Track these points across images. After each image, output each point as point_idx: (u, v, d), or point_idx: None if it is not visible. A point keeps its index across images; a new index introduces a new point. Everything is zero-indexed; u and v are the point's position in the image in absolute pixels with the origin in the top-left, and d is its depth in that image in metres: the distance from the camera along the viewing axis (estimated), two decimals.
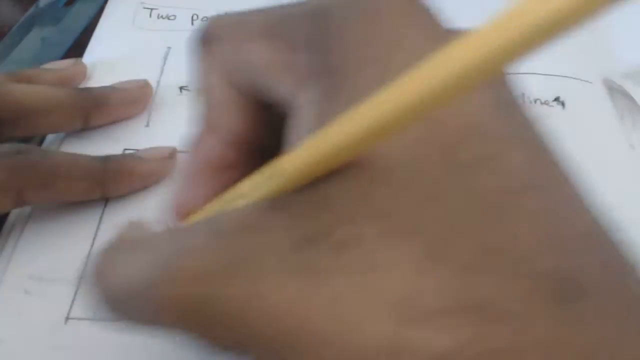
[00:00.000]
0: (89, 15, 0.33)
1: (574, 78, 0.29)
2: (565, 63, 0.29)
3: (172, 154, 0.24)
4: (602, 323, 0.09)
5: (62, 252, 0.21)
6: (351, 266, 0.10)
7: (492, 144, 0.11)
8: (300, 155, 0.10)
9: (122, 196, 0.23)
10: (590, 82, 0.28)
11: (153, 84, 0.27)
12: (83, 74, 0.28)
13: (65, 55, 0.30)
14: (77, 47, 0.31)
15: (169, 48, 0.30)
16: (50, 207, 0.22)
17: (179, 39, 0.30)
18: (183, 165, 0.16)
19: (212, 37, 0.15)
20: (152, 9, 0.32)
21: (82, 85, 0.28)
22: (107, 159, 0.22)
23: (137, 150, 0.24)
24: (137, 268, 0.12)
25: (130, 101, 0.26)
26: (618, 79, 0.28)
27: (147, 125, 0.26)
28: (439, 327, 0.09)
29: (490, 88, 0.12)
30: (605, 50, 0.31)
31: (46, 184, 0.20)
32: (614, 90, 0.29)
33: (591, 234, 0.10)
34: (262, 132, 0.15)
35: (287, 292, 0.10)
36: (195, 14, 0.32)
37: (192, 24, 0.32)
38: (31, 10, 0.34)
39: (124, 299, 0.12)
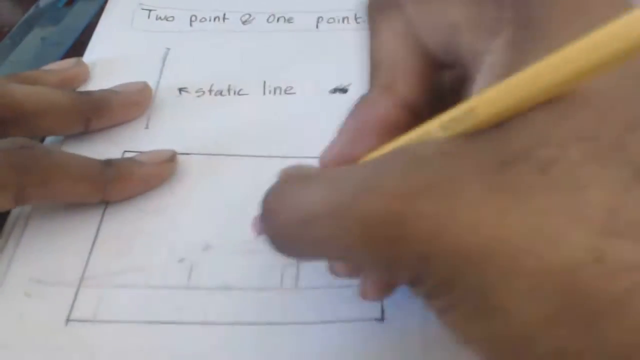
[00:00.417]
0: (89, 15, 0.33)
1: None
2: None
3: (172, 157, 0.24)
4: None
5: (62, 255, 0.21)
6: (555, 184, 0.10)
7: None
8: (495, 96, 0.11)
9: (122, 199, 0.23)
10: None
11: (152, 85, 0.27)
12: (85, 74, 0.28)
13: (66, 56, 0.31)
14: (78, 48, 0.31)
15: (168, 49, 0.30)
16: (50, 210, 0.23)
17: (178, 40, 0.30)
18: (349, 118, 0.16)
19: (391, 3, 0.15)
20: (150, 10, 0.32)
21: (83, 86, 0.28)
22: (107, 162, 0.22)
23: (137, 152, 0.24)
24: (317, 196, 0.13)
25: (131, 105, 0.26)
26: None
27: (147, 128, 0.26)
28: None
29: None
30: None
31: (47, 182, 0.21)
32: None
33: None
34: (431, 98, 0.15)
35: (486, 209, 0.11)
36: (193, 15, 0.32)
37: (191, 25, 0.31)
38: (31, 10, 0.34)
39: (307, 227, 0.13)
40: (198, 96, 0.28)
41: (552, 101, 0.11)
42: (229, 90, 0.28)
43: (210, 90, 0.28)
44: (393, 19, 0.15)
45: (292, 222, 0.13)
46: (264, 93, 0.28)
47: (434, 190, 0.11)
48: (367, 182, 0.12)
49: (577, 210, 0.10)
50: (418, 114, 0.15)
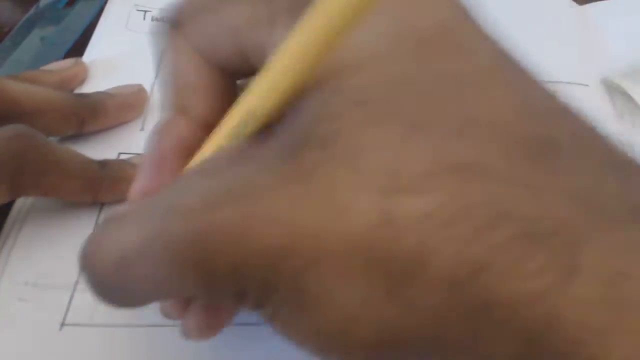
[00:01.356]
0: (89, 16, 0.33)
1: (571, 83, 0.28)
2: (561, 68, 0.29)
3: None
4: (578, 173, 0.10)
5: (57, 258, 0.21)
6: (336, 156, 0.10)
7: (460, 37, 0.12)
8: (266, 87, 0.11)
9: (117, 202, 0.23)
10: (587, 85, 0.28)
11: (147, 87, 0.27)
12: (84, 74, 0.28)
13: (66, 56, 0.31)
14: (78, 48, 0.31)
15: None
16: (46, 214, 0.23)
17: None
18: (150, 148, 0.16)
19: (180, 19, 0.15)
20: (145, 12, 0.32)
21: (79, 87, 0.28)
22: (103, 163, 0.22)
23: (132, 154, 0.24)
24: (128, 233, 0.12)
25: (126, 108, 0.26)
26: (617, 78, 0.28)
27: (142, 129, 0.26)
28: (423, 190, 0.10)
29: (454, 4, 0.12)
30: (602, 50, 0.31)
31: (42, 174, 0.20)
32: (613, 90, 0.28)
33: (560, 109, 0.11)
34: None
35: (279, 202, 0.10)
36: None
37: None
38: (32, 11, 0.34)
39: (122, 268, 0.12)
40: None
41: (320, 76, 0.11)
42: None
43: None
44: (177, 38, 0.15)
45: (108, 265, 0.12)
46: None
47: (229, 199, 0.11)
48: (166, 206, 0.12)
49: (358, 176, 0.10)
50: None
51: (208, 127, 0.15)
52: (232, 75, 0.15)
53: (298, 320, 0.11)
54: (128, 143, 0.25)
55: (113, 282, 0.13)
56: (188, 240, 0.11)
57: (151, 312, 0.20)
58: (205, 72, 0.15)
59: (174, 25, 0.15)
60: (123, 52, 0.30)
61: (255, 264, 0.10)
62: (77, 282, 0.21)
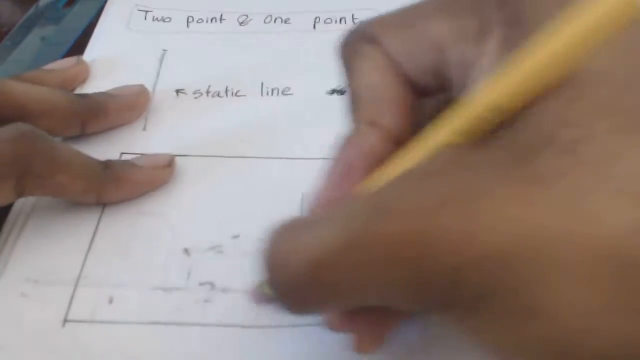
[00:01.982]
0: (89, 16, 0.33)
1: None
2: None
3: (170, 162, 0.24)
4: None
5: (60, 255, 0.21)
6: (586, 161, 0.10)
7: None
8: (500, 93, 0.11)
9: (120, 202, 0.23)
10: None
11: (149, 87, 0.27)
12: (86, 73, 0.28)
13: (66, 56, 0.31)
14: (78, 48, 0.31)
15: (165, 51, 0.30)
16: (49, 210, 0.23)
17: (175, 42, 0.30)
18: (336, 158, 0.16)
19: (370, 36, 0.15)
20: (147, 12, 0.32)
21: (80, 87, 0.28)
22: (106, 164, 0.22)
23: (134, 154, 0.25)
24: (326, 235, 0.12)
25: (128, 108, 0.26)
26: None
27: (145, 129, 0.26)
28: None
29: None
30: None
31: (47, 174, 0.21)
32: None
33: None
34: (414, 128, 0.15)
35: (510, 206, 0.10)
36: (190, 16, 0.32)
37: (188, 26, 0.32)
38: (32, 11, 0.34)
39: (322, 269, 0.12)
40: (196, 98, 0.28)
41: (558, 86, 0.11)
42: (226, 91, 0.28)
43: (207, 92, 0.28)
44: (370, 54, 0.15)
45: (304, 268, 0.12)
46: (262, 94, 0.28)
47: (453, 201, 0.11)
48: (380, 208, 0.11)
49: (610, 183, 0.10)
50: (403, 145, 0.15)
51: (396, 142, 0.15)
52: (421, 92, 0.15)
53: (509, 328, 0.11)
54: (131, 143, 0.26)
55: (309, 285, 0.12)
56: (406, 239, 0.11)
57: (152, 309, 0.20)
58: (397, 87, 0.15)
59: (365, 40, 0.16)
60: (125, 52, 0.30)
61: (475, 270, 0.10)
62: (79, 278, 0.21)
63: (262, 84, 0.28)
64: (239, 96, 0.28)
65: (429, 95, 0.16)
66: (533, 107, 0.11)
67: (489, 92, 0.11)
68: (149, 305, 0.20)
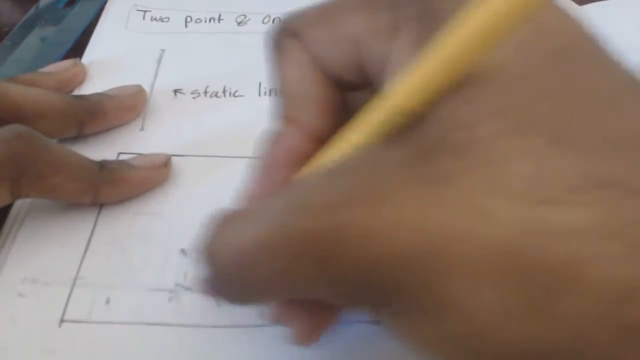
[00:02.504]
0: (89, 16, 0.34)
1: None
2: None
3: (166, 162, 0.24)
4: None
5: (57, 254, 0.21)
6: (473, 164, 0.10)
7: (593, 54, 0.12)
8: (407, 86, 0.11)
9: (117, 202, 0.23)
10: None
11: (147, 87, 0.27)
12: (82, 75, 0.28)
13: (66, 56, 0.31)
14: (78, 48, 0.31)
15: (163, 51, 0.30)
16: (46, 211, 0.23)
17: (173, 41, 0.30)
18: (261, 155, 0.16)
19: (292, 31, 0.15)
20: (145, 11, 0.32)
21: (78, 88, 0.28)
22: (102, 164, 0.22)
23: (132, 154, 0.25)
24: (248, 229, 0.12)
25: (125, 109, 0.26)
26: None
27: (142, 129, 0.26)
28: (573, 204, 0.09)
29: (578, 22, 0.12)
30: None
31: (42, 175, 0.21)
32: None
33: None
34: (339, 124, 0.15)
35: (412, 204, 0.10)
36: (188, 16, 0.32)
37: (186, 26, 0.32)
38: (31, 11, 0.34)
39: (245, 262, 0.12)
40: (193, 98, 0.28)
41: (459, 84, 0.11)
42: (224, 91, 0.28)
43: (205, 92, 0.28)
44: (292, 49, 0.15)
45: (230, 261, 0.13)
46: (260, 94, 0.28)
47: (361, 197, 0.11)
48: (294, 203, 0.12)
49: (498, 186, 0.10)
50: (326, 141, 0.15)
51: (318, 139, 0.15)
52: (344, 88, 0.16)
53: (422, 324, 0.11)
54: (128, 143, 0.26)
55: (234, 276, 0.13)
56: (314, 236, 0.11)
57: (149, 309, 0.20)
58: (318, 83, 0.15)
59: (288, 35, 0.15)
60: (122, 53, 0.30)
61: (382, 265, 0.10)
62: (76, 278, 0.21)
63: (260, 84, 0.28)
64: (237, 96, 0.28)
65: (355, 90, 0.15)
66: (435, 106, 0.11)
67: (397, 91, 0.12)
68: (146, 306, 0.20)
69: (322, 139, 0.15)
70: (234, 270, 0.13)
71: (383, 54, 0.13)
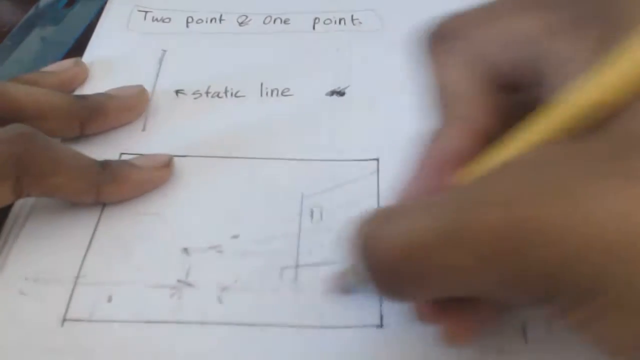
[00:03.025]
0: (89, 16, 0.34)
1: None
2: None
3: (168, 162, 0.24)
4: None
5: (59, 253, 0.21)
6: None
7: None
8: (602, 82, 0.11)
9: (119, 201, 0.23)
10: None
11: (149, 87, 0.27)
12: (84, 74, 0.28)
13: (66, 56, 0.31)
14: (78, 48, 0.31)
15: (164, 51, 0.30)
16: (48, 210, 0.23)
17: (175, 42, 0.31)
18: (421, 154, 0.16)
19: (452, 32, 0.16)
20: (146, 12, 0.32)
21: (79, 88, 0.28)
22: (104, 163, 0.22)
23: (133, 154, 0.25)
24: (419, 224, 0.12)
25: (126, 109, 0.26)
26: None
27: (144, 130, 0.26)
28: None
29: None
30: None
31: (44, 175, 0.21)
32: None
33: None
34: (497, 122, 0.15)
35: (613, 200, 0.10)
36: (190, 16, 0.32)
37: (187, 26, 0.32)
38: (31, 11, 0.34)
39: (407, 260, 0.12)
40: (195, 98, 0.28)
41: None
42: (226, 92, 0.28)
43: (207, 92, 0.28)
44: (457, 49, 0.15)
45: (395, 256, 0.12)
46: (261, 95, 0.28)
47: (553, 194, 0.11)
48: (477, 199, 0.12)
49: None
50: (490, 142, 0.15)
51: (483, 138, 0.15)
52: (505, 89, 0.16)
53: (628, 324, 0.11)
54: (130, 143, 0.26)
55: (400, 270, 0.13)
56: (503, 231, 0.11)
57: (150, 307, 0.20)
58: (483, 83, 0.15)
59: (447, 36, 0.16)
60: (124, 53, 0.30)
61: (582, 263, 0.10)
62: (78, 277, 0.21)
63: (262, 84, 0.28)
64: (238, 97, 0.28)
65: (516, 91, 0.15)
66: (631, 104, 0.11)
67: (588, 89, 0.12)
68: (147, 304, 0.20)
69: (486, 139, 0.15)
70: (400, 265, 0.12)
71: (564, 53, 0.13)
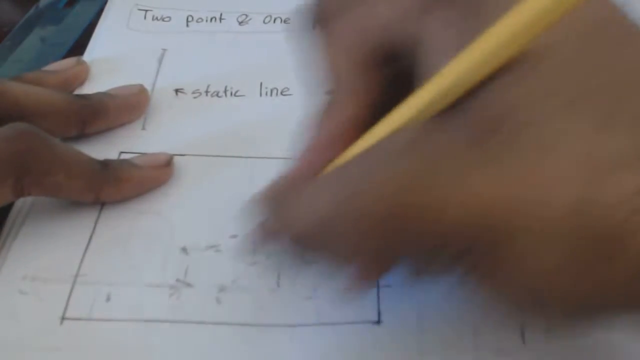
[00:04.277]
0: (89, 15, 0.34)
1: None
2: None
3: (169, 161, 0.24)
4: None
5: (58, 252, 0.21)
6: (530, 144, 0.11)
7: (629, 29, 0.13)
8: (458, 68, 0.12)
9: (118, 201, 0.23)
10: None
11: (148, 86, 0.27)
12: (85, 73, 0.28)
13: (66, 56, 0.31)
14: (78, 48, 0.31)
15: (164, 50, 0.30)
16: (48, 208, 0.23)
17: (174, 41, 0.31)
18: (321, 121, 0.17)
19: (328, 15, 0.16)
20: (146, 11, 0.32)
21: (80, 87, 0.28)
22: (104, 163, 0.22)
23: (133, 153, 0.25)
24: (324, 197, 0.14)
25: (127, 108, 0.26)
26: None
27: (144, 129, 0.26)
28: (628, 171, 0.11)
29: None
30: None
31: (45, 173, 0.21)
32: None
33: None
34: (379, 97, 0.16)
35: (476, 181, 0.12)
36: (190, 15, 0.32)
37: (187, 25, 0.32)
38: (32, 11, 0.34)
39: (319, 229, 0.14)
40: (194, 97, 0.28)
41: (510, 65, 0.12)
42: (225, 91, 0.28)
43: (206, 92, 0.28)
44: (338, 31, 0.16)
45: (309, 227, 0.14)
46: (261, 94, 0.28)
47: (424, 175, 0.12)
48: (360, 177, 0.13)
49: (555, 163, 0.11)
50: (380, 111, 0.16)
51: (375, 107, 0.16)
52: (376, 69, 0.16)
53: (493, 275, 0.12)
54: (129, 142, 0.26)
55: (314, 240, 0.15)
56: (386, 213, 0.12)
57: (149, 306, 0.20)
58: (353, 67, 0.16)
59: (318, 22, 0.16)
60: (124, 52, 0.30)
61: (454, 230, 0.12)
62: (77, 275, 0.21)
63: (261, 84, 0.28)
64: (238, 96, 0.28)
65: (402, 60, 0.16)
66: (487, 86, 0.12)
67: (448, 69, 0.12)
68: (146, 303, 0.20)
69: (373, 113, 0.16)
70: (311, 236, 0.15)
71: (415, 35, 0.14)
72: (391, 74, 0.16)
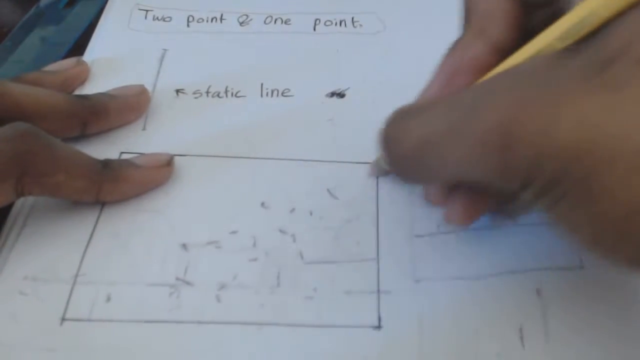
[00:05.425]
0: (90, 15, 0.34)
1: None
2: None
3: (169, 161, 0.24)
4: None
5: (58, 253, 0.21)
6: None
7: None
8: (590, 4, 0.13)
9: (119, 201, 0.23)
10: None
11: (149, 86, 0.27)
12: (86, 73, 0.28)
13: (67, 56, 0.31)
14: (78, 48, 0.31)
15: (165, 50, 0.30)
16: (48, 209, 0.23)
17: (175, 41, 0.30)
18: (443, 63, 0.18)
19: None
20: (147, 11, 0.32)
21: (80, 87, 0.28)
22: (105, 162, 0.22)
23: (134, 153, 0.25)
24: (434, 119, 0.15)
25: (128, 109, 0.26)
26: None
27: (144, 129, 0.26)
28: None
29: None
30: None
31: (46, 173, 0.20)
32: None
33: None
34: (521, 40, 0.17)
35: (588, 106, 0.12)
36: (190, 16, 0.32)
37: (188, 25, 0.32)
38: (32, 11, 0.34)
39: (423, 148, 0.15)
40: (195, 98, 0.28)
41: (636, 4, 0.12)
42: (226, 92, 0.28)
43: (207, 92, 0.28)
44: None
45: (414, 144, 0.15)
46: (261, 95, 0.28)
47: (539, 98, 0.13)
48: (478, 100, 0.14)
49: None
50: (508, 55, 0.16)
51: (501, 52, 0.17)
52: (531, 6, 0.17)
53: (579, 208, 0.13)
54: (130, 142, 0.26)
55: (416, 158, 0.16)
56: (495, 129, 0.13)
57: (149, 306, 0.20)
58: (503, 2, 0.17)
59: None
60: (124, 52, 0.30)
61: (550, 157, 0.12)
62: (77, 276, 0.21)
63: (262, 84, 0.28)
64: (239, 96, 0.28)
65: (537, 8, 0.17)
66: (618, 19, 0.12)
67: (580, 5, 0.13)
68: (146, 302, 0.20)
69: (505, 54, 0.17)
70: (417, 153, 0.15)
71: None
72: (540, 21, 0.17)
